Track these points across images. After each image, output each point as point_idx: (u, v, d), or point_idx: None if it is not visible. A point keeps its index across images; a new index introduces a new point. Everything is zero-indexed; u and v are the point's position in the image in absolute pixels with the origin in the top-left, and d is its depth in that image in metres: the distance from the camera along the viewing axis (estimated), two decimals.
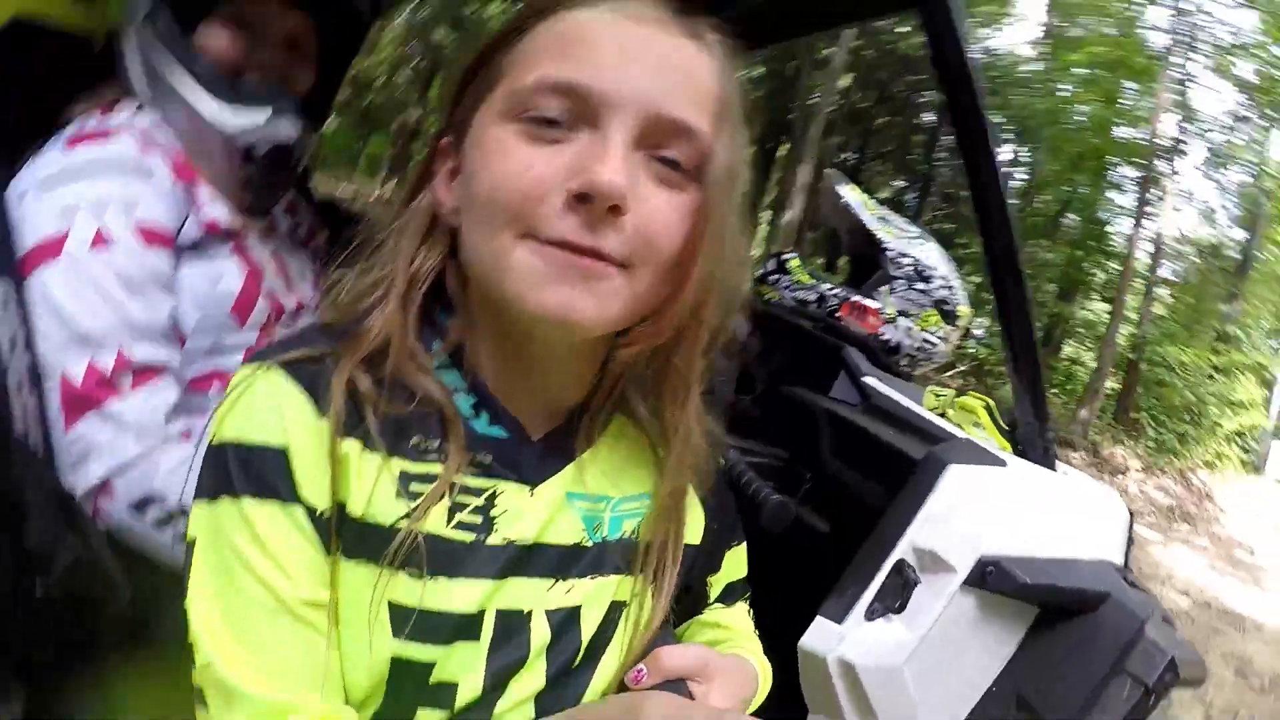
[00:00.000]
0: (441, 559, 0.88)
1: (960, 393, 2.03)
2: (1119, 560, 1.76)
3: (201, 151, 1.59)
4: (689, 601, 1.15)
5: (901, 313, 2.53)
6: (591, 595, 0.97)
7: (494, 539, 0.91)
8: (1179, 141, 20.23)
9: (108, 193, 1.41)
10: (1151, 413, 19.36)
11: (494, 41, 0.93)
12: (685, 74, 0.88)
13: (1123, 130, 21.24)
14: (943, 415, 1.97)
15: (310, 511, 0.84)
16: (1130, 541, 1.85)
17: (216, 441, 0.86)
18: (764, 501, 1.72)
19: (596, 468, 1.02)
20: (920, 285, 2.56)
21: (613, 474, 1.04)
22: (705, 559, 1.14)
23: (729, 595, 1.25)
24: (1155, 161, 18.91)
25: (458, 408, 0.94)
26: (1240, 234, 23.76)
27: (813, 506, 1.89)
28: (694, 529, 1.10)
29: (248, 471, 0.84)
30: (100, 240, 1.38)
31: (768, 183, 25.09)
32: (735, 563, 1.25)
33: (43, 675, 1.34)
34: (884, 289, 2.55)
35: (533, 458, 0.97)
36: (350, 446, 0.87)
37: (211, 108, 1.55)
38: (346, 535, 0.86)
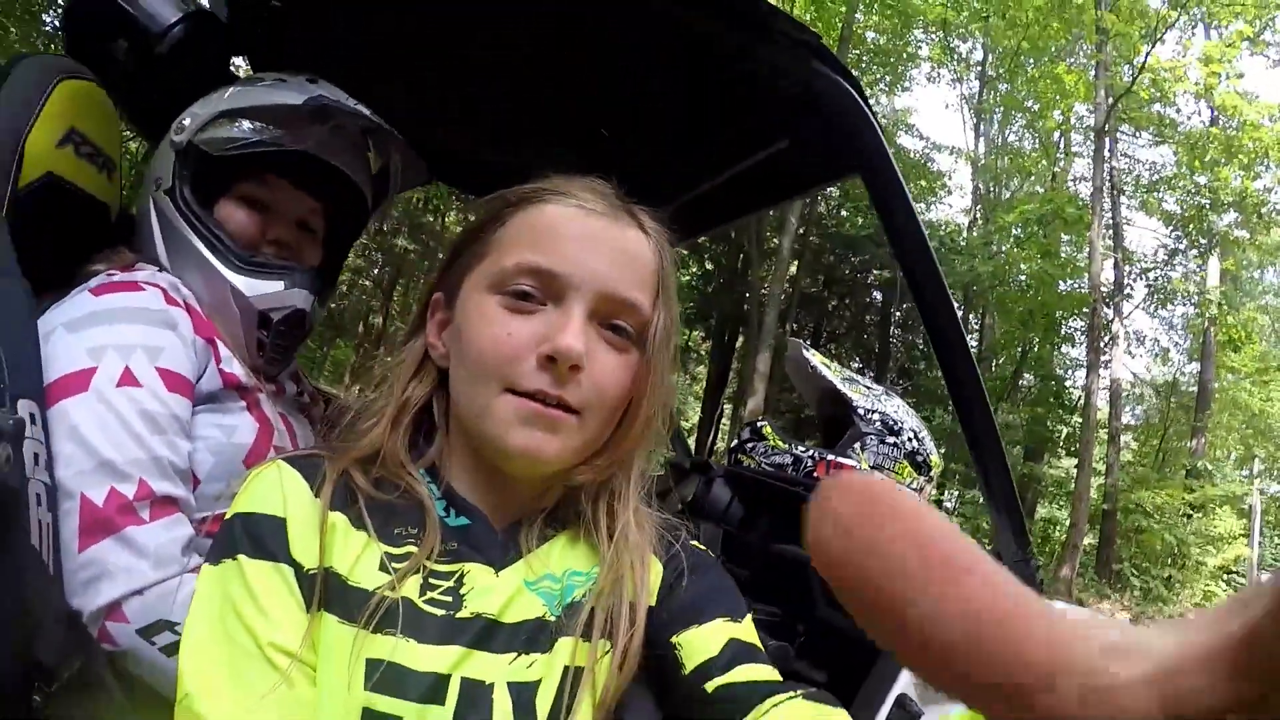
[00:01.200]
0: (414, 625, 0.99)
1: None
2: None
3: (219, 314, 1.68)
4: (665, 665, 1.12)
5: (875, 467, 2.60)
6: (549, 667, 1.04)
7: (463, 613, 1.03)
8: (1120, 285, 20.72)
9: (136, 338, 1.47)
10: (1133, 562, 19.12)
11: (481, 224, 1.16)
12: (631, 259, 1.10)
13: (1066, 285, 21.83)
14: None
15: (299, 571, 0.98)
16: None
17: (228, 516, 1.03)
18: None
19: (551, 559, 1.13)
20: (891, 439, 2.64)
21: (563, 560, 1.14)
22: (667, 617, 1.13)
23: (736, 660, 1.08)
24: (1101, 308, 19.27)
25: (434, 504, 1.10)
26: (1194, 367, 24.14)
27: (810, 660, 1.91)
28: (651, 590, 1.15)
29: (250, 536, 0.99)
30: (127, 379, 1.43)
31: (728, 373, 25.33)
32: (732, 631, 1.12)
33: None
34: (856, 446, 2.63)
35: (495, 544, 1.11)
36: (338, 519, 1.04)
37: (232, 276, 1.66)
38: (332, 595, 0.99)
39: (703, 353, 27.95)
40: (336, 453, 1.11)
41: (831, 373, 2.77)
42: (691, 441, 23.35)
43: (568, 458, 1.08)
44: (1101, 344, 19.56)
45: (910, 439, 2.69)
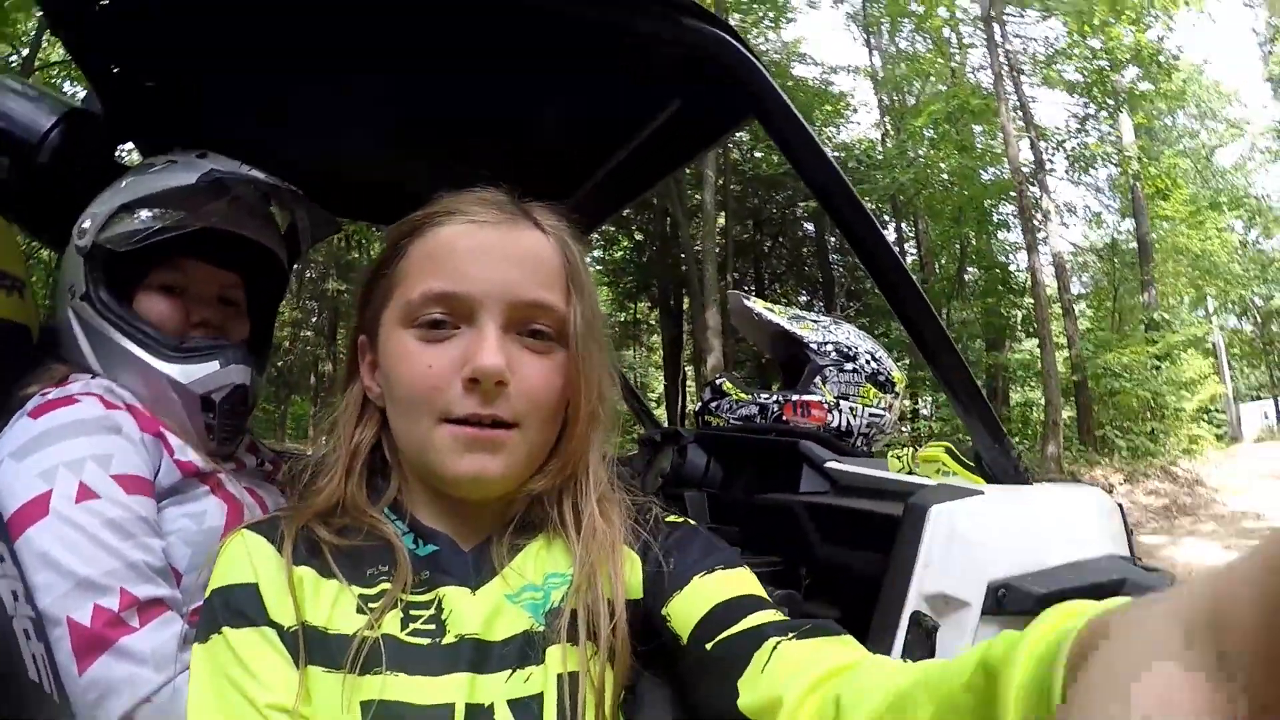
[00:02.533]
0: (401, 659, 0.99)
1: (918, 448, 2.08)
2: (1123, 550, 1.81)
3: (161, 406, 1.65)
4: (669, 650, 1.10)
5: (841, 396, 2.61)
6: (546, 679, 1.02)
7: (448, 638, 1.03)
8: (1040, 162, 20.87)
9: (83, 450, 1.45)
10: (1114, 424, 19.32)
11: (382, 261, 1.16)
12: (533, 261, 1.10)
13: (987, 174, 22.01)
14: (910, 473, 2.02)
15: (281, 631, 0.99)
16: (1129, 530, 1.89)
17: (206, 594, 1.04)
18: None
19: (528, 568, 1.13)
20: (849, 366, 2.65)
21: (540, 566, 1.13)
22: (651, 600, 1.12)
23: (730, 615, 1.04)
24: (1027, 188, 19.41)
25: (403, 541, 1.10)
26: (1129, 224, 24.40)
27: (820, 599, 1.91)
28: (633, 585, 1.13)
29: (229, 608, 1.00)
30: (85, 493, 1.40)
31: (683, 336, 25.34)
32: (711, 587, 1.08)
33: None
34: (817, 380, 2.64)
35: (466, 565, 1.11)
36: (305, 573, 1.04)
37: (165, 367, 1.63)
38: (314, 648, 0.99)
39: (653, 322, 27.96)
40: (295, 510, 1.12)
41: (776, 315, 2.77)
42: (661, 411, 23.41)
43: (516, 472, 1.10)
44: (1035, 222, 19.69)
45: (868, 361, 2.70)
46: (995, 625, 1.54)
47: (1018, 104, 20.90)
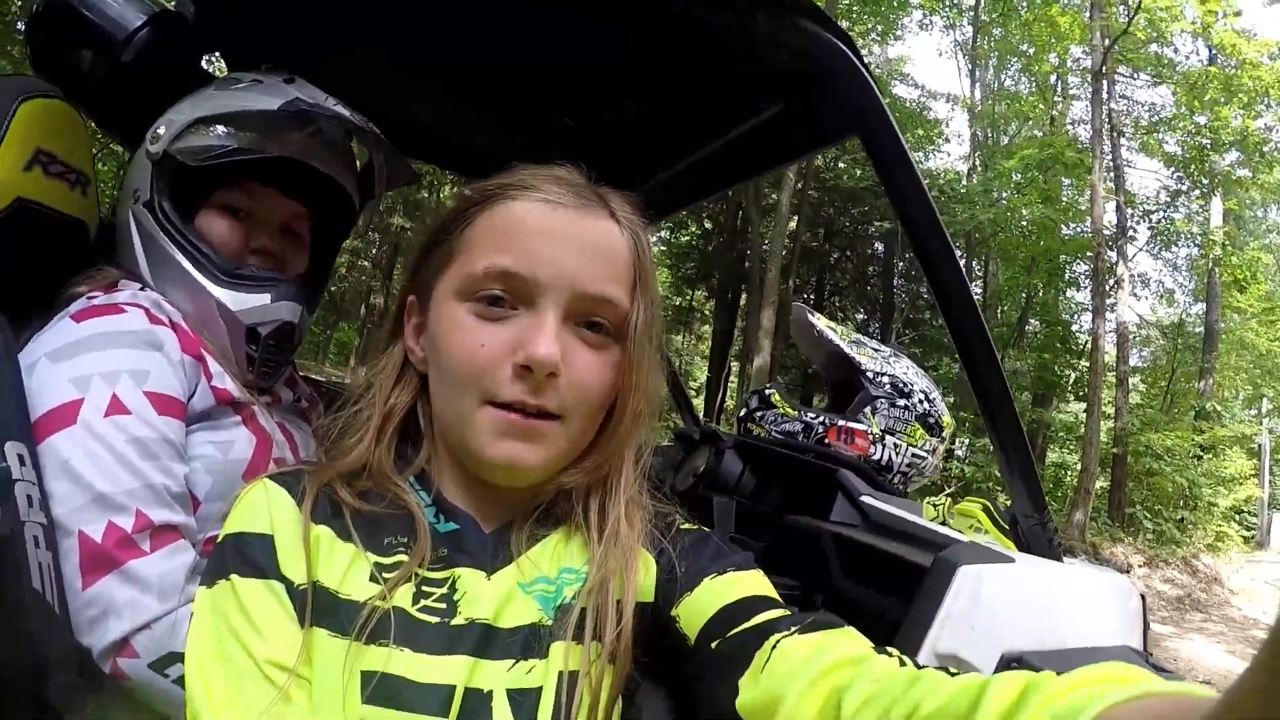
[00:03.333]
0: (408, 634, 0.99)
1: (955, 500, 2.05)
2: (1138, 644, 1.75)
3: (206, 329, 1.65)
4: (677, 653, 1.10)
5: (887, 430, 2.57)
6: (547, 674, 1.02)
7: (458, 619, 1.02)
8: (1123, 228, 20.59)
9: (120, 363, 1.44)
10: (1145, 505, 19.07)
11: (446, 224, 1.14)
12: (603, 252, 1.08)
13: (1068, 230, 21.67)
14: (943, 523, 1.99)
15: (290, 587, 0.98)
16: (1146, 625, 1.84)
17: (219, 538, 1.04)
18: None
19: (544, 559, 1.12)
20: (901, 402, 2.61)
21: (557, 559, 1.12)
22: (662, 602, 1.13)
23: (738, 615, 1.05)
24: (1104, 252, 19.17)
25: (424, 512, 1.10)
26: (1200, 308, 24.05)
27: None
28: (646, 587, 1.13)
29: (240, 556, 1.00)
30: (115, 407, 1.40)
31: (734, 331, 25.28)
32: (720, 588, 1.10)
33: None
34: (867, 410, 2.60)
35: (485, 547, 1.10)
36: (322, 532, 1.04)
37: (216, 290, 1.63)
38: (322, 609, 0.98)
39: (706, 312, 27.94)
40: (320, 467, 1.12)
41: (838, 336, 2.73)
42: (700, 401, 23.38)
43: (552, 464, 1.09)
44: (1106, 287, 19.43)
45: (921, 400, 2.66)
46: None
47: (1111, 165, 20.64)
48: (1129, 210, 21.11)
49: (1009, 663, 1.49)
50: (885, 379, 2.64)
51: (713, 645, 1.04)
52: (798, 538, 2.15)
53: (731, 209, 23.57)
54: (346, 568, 1.02)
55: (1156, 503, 19.34)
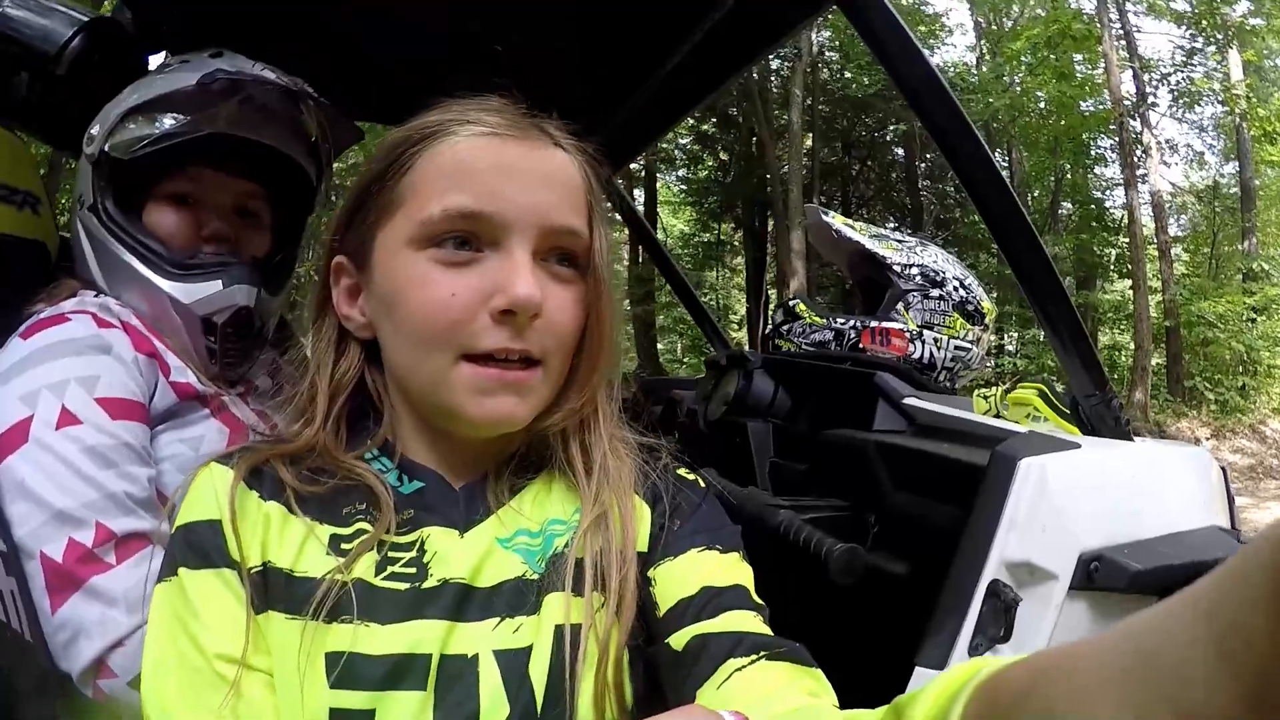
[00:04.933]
0: (372, 607, 0.93)
1: (1008, 388, 1.88)
2: (1224, 520, 1.63)
3: (164, 326, 1.59)
4: (644, 613, 1.03)
5: (925, 325, 2.42)
6: (538, 630, 0.96)
7: (430, 581, 0.96)
8: (1142, 94, 20.18)
9: (67, 371, 1.39)
10: (1204, 375, 18.86)
11: (379, 174, 1.04)
12: (561, 183, 1.02)
13: (1087, 105, 21.29)
14: (997, 416, 1.83)
15: (239, 572, 0.93)
16: (1231, 499, 1.71)
17: (172, 531, 0.99)
18: (828, 553, 1.56)
19: (525, 510, 1.06)
20: (935, 292, 2.45)
21: (540, 510, 1.07)
22: (648, 556, 1.06)
23: (700, 604, 0.99)
24: (1128, 122, 18.79)
25: (386, 481, 1.03)
26: (1233, 167, 23.58)
27: (886, 550, 1.73)
28: (641, 536, 1.07)
29: (188, 547, 0.96)
30: (65, 419, 1.34)
31: (765, 258, 25.17)
32: (704, 567, 1.04)
33: None
34: (899, 306, 2.45)
35: (455, 503, 1.04)
36: (272, 509, 0.99)
37: (166, 284, 1.56)
38: (276, 591, 0.94)
39: (736, 243, 27.89)
40: (258, 445, 1.06)
41: (856, 232, 2.57)
42: (744, 334, 23.35)
43: (533, 415, 1.03)
44: (1135, 158, 19.14)
45: (956, 288, 2.49)
46: (1084, 602, 1.37)
47: (1121, 32, 20.23)
48: (1146, 76, 20.77)
49: (1089, 563, 1.37)
50: (914, 270, 2.48)
51: (681, 635, 0.97)
52: (841, 454, 2.00)
53: (744, 135, 23.50)
54: (300, 544, 0.97)
55: (1216, 372, 19.11)
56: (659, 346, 24.19)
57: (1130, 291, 19.76)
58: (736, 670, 0.90)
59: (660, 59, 2.16)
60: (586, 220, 1.04)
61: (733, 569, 1.04)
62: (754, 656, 0.91)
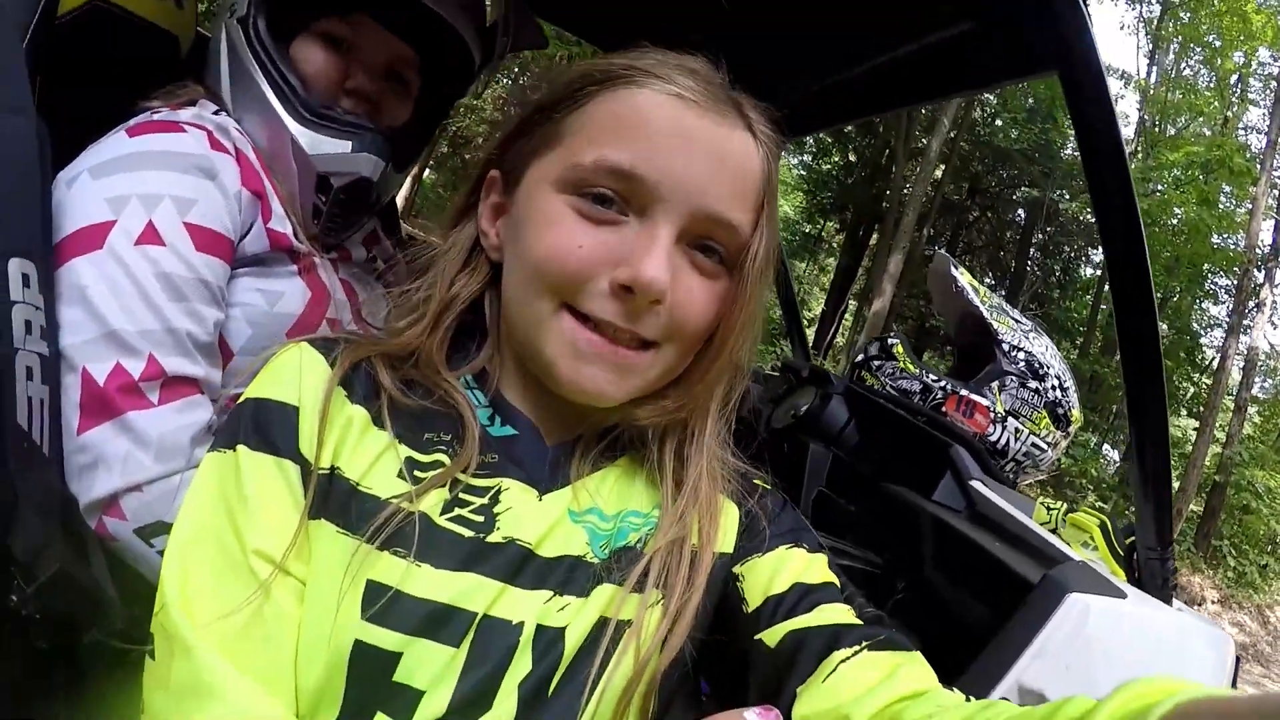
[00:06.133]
0: (432, 547, 0.88)
1: (1071, 507, 1.86)
2: None
3: (278, 166, 1.51)
4: (727, 610, 1.01)
5: (1011, 412, 2.38)
6: (579, 614, 0.92)
7: (495, 536, 0.92)
8: (1276, 250, 19.76)
9: (165, 186, 1.30)
10: (1233, 540, 18.64)
11: (555, 100, 0.99)
12: (734, 168, 0.95)
13: (1219, 239, 20.82)
14: (1054, 530, 1.81)
15: (304, 468, 0.89)
16: (1235, 685, 1.67)
17: (241, 400, 0.94)
18: None
19: (603, 491, 1.02)
20: (1033, 384, 2.40)
21: (619, 496, 1.03)
22: (734, 558, 1.04)
23: (793, 600, 0.98)
24: (1252, 270, 18.41)
25: (475, 414, 0.99)
26: None
27: (905, 622, 1.72)
28: (726, 536, 1.04)
29: (256, 424, 0.91)
30: (148, 236, 1.27)
31: (857, 270, 24.98)
32: (793, 564, 1.02)
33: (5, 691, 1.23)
34: (994, 385, 2.40)
35: (542, 462, 1.00)
36: (356, 413, 0.94)
37: (294, 127, 1.48)
38: (335, 499, 0.89)
39: (834, 245, 27.70)
40: (360, 340, 1.02)
41: (979, 298, 2.52)
42: (811, 334, 23.24)
43: (630, 396, 0.98)
44: (1246, 307, 18.74)
45: (1054, 386, 2.44)
46: None
47: (1278, 182, 19.68)
48: None
49: None
50: (1021, 355, 2.43)
51: (775, 631, 0.94)
52: (892, 510, 1.99)
53: (878, 145, 23.31)
54: (375, 459, 0.92)
55: (1245, 542, 18.86)
56: None
57: (1194, 433, 19.43)
58: (842, 662, 0.87)
59: (859, 59, 2.11)
60: (753, 216, 0.97)
61: (822, 568, 1.02)
62: (857, 648, 0.89)
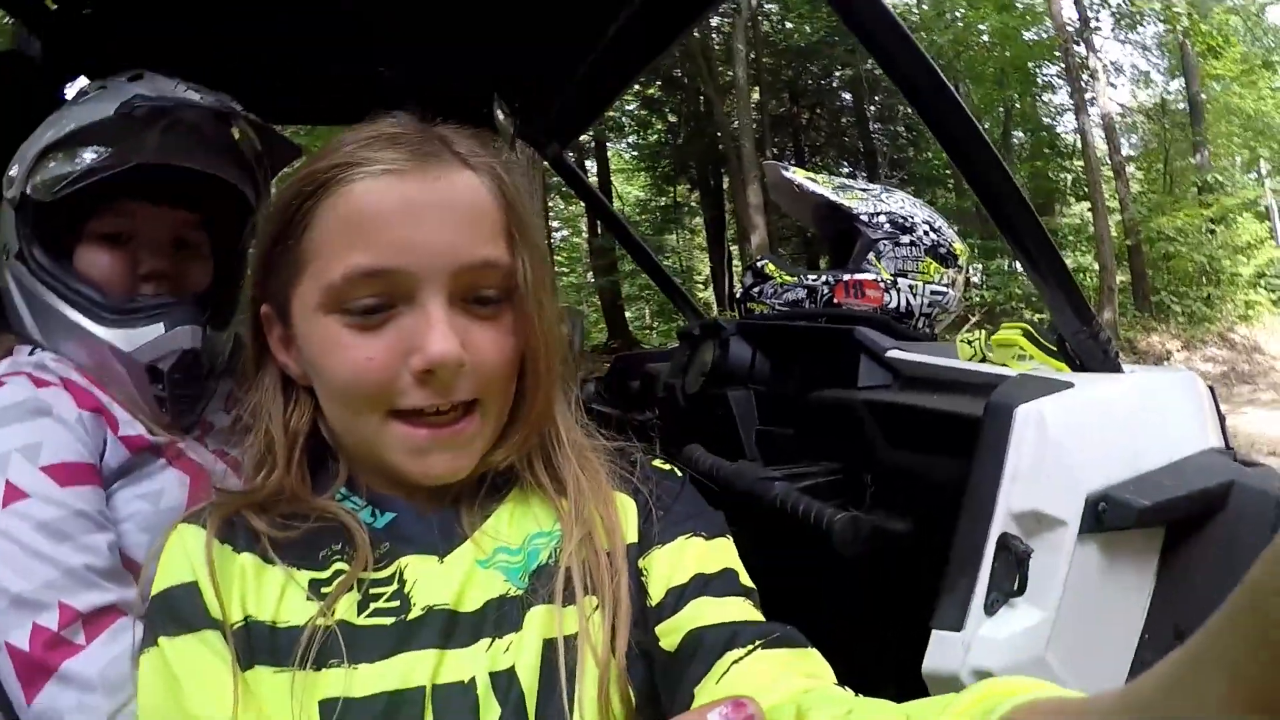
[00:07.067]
0: (361, 648, 0.90)
1: (991, 330, 1.84)
2: (1217, 440, 1.61)
3: (108, 377, 1.48)
4: (637, 610, 1.00)
5: (898, 273, 2.37)
6: (521, 646, 0.93)
7: (414, 612, 0.93)
8: (1085, 19, 20.23)
9: (7, 443, 1.29)
10: (1169, 289, 19.10)
11: (281, 229, 0.97)
12: (470, 213, 0.95)
13: (1031, 34, 21.25)
14: (983, 360, 1.79)
15: (222, 632, 0.89)
16: (1221, 417, 1.69)
17: (149, 599, 0.94)
18: (829, 524, 1.52)
19: (503, 530, 1.03)
20: (905, 239, 2.40)
21: (519, 527, 1.04)
22: (638, 547, 1.04)
23: (694, 592, 0.98)
24: (1072, 47, 18.82)
25: (359, 518, 1.00)
26: (1179, 83, 23.74)
27: (885, 509, 1.69)
28: (629, 526, 1.05)
29: (166, 613, 0.91)
30: (11, 494, 1.25)
31: (725, 216, 25.15)
32: (692, 553, 1.02)
33: None
34: (870, 256, 2.40)
35: (430, 530, 1.01)
36: (246, 561, 0.95)
37: (103, 332, 1.45)
38: (260, 646, 0.89)
39: (694, 204, 27.89)
40: (225, 498, 1.02)
41: (820, 185, 2.51)
42: (710, 294, 23.35)
43: (479, 458, 1.01)
44: (1082, 82, 19.17)
45: (926, 232, 2.44)
46: (1094, 544, 1.35)
47: None
48: (1086, 0, 20.67)
49: (1096, 504, 1.34)
50: (882, 218, 2.42)
51: (671, 625, 0.95)
52: (829, 415, 1.96)
53: (691, 96, 23.47)
54: (280, 593, 0.93)
55: (1180, 285, 19.34)
56: (627, 315, 24.13)
57: (1089, 214, 19.85)
58: (734, 663, 0.88)
59: (601, 28, 2.09)
60: (507, 244, 0.97)
61: (720, 553, 1.02)
62: (750, 646, 0.89)
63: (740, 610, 0.95)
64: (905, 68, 1.52)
